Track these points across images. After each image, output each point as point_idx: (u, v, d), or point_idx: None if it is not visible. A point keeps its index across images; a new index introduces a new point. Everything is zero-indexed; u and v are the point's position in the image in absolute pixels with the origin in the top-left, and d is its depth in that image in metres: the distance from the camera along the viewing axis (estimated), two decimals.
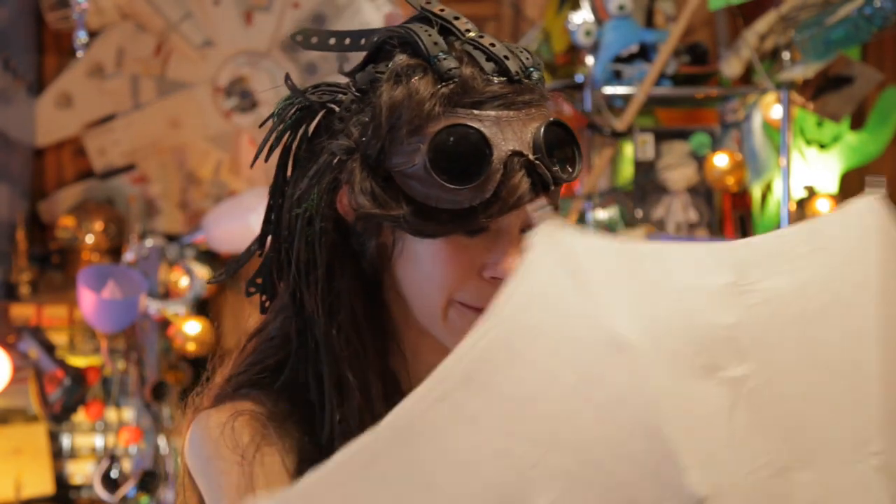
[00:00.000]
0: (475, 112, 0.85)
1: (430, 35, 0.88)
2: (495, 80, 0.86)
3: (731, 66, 3.16)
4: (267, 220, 0.94)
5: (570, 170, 0.87)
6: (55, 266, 3.67)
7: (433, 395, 0.60)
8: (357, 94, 0.89)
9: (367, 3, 3.82)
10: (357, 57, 0.94)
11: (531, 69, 0.89)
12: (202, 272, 3.40)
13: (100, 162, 3.85)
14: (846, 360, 0.63)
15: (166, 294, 3.28)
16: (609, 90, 3.13)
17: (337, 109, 0.90)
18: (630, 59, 3.17)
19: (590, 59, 3.17)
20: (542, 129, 0.85)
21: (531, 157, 0.84)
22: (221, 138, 3.86)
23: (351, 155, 0.88)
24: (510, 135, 0.84)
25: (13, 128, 3.65)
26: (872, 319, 0.64)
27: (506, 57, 0.87)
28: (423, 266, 0.88)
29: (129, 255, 3.24)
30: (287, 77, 0.92)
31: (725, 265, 0.63)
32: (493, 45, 0.88)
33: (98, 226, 3.63)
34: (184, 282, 3.32)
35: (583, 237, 0.61)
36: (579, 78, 3.17)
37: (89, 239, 3.62)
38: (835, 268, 0.65)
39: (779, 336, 0.62)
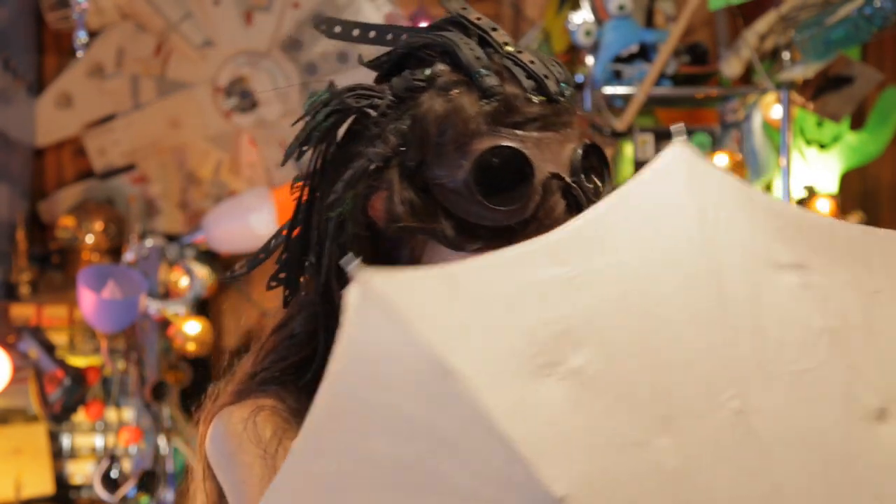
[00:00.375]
0: (517, 132, 0.86)
1: (471, 48, 0.88)
2: (535, 99, 0.87)
3: (731, 66, 3.16)
4: (295, 218, 0.94)
5: (601, 189, 0.88)
6: (55, 266, 3.67)
7: (291, 473, 0.62)
8: (394, 99, 0.89)
9: (367, 2, 3.82)
10: (364, 50, 0.93)
11: (563, 85, 0.89)
12: (202, 272, 3.40)
13: (100, 162, 3.85)
14: (684, 318, 0.62)
15: (166, 294, 3.29)
16: (609, 90, 3.13)
17: (373, 114, 0.89)
18: (630, 59, 3.17)
19: (590, 59, 3.17)
20: (580, 152, 0.87)
21: (568, 179, 0.86)
22: (221, 138, 3.86)
23: (388, 163, 0.87)
24: (549, 156, 0.86)
25: (13, 128, 3.65)
26: (703, 272, 0.63)
27: (545, 76, 0.87)
28: None
29: (129, 255, 3.24)
30: (331, 83, 0.91)
31: (548, 257, 0.62)
32: (532, 62, 0.88)
33: (98, 226, 3.63)
34: (184, 282, 3.32)
35: (396, 276, 0.60)
36: (579, 78, 3.17)
37: (89, 239, 3.62)
38: (653, 230, 0.64)
39: (612, 314, 0.61)
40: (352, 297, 0.59)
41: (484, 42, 0.89)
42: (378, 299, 0.58)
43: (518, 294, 0.60)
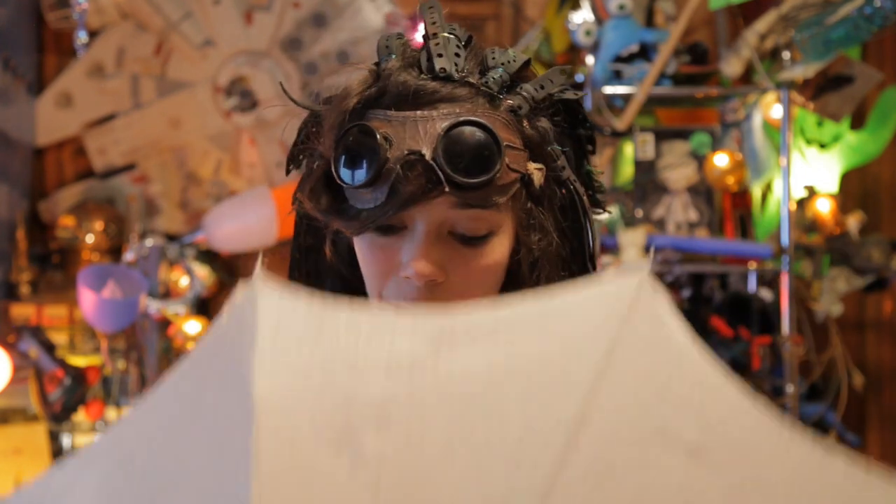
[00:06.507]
0: (388, 112, 0.87)
1: (387, 40, 0.91)
2: (422, 78, 0.87)
3: (731, 66, 3.16)
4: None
5: (483, 172, 0.85)
6: (55, 266, 3.67)
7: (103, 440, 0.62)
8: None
9: (367, 2, 3.82)
10: (365, 51, 0.99)
11: (494, 69, 0.89)
12: (202, 272, 3.40)
13: (100, 162, 3.85)
14: (511, 452, 0.56)
15: (166, 294, 3.28)
16: (609, 90, 3.13)
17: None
18: (630, 58, 3.17)
19: (590, 59, 3.17)
20: (446, 129, 0.85)
21: (428, 156, 0.84)
22: (221, 138, 3.86)
23: (321, 160, 0.92)
24: (417, 133, 0.85)
25: (13, 128, 3.65)
26: (570, 416, 0.56)
27: (440, 55, 0.88)
28: (362, 265, 0.92)
29: (129, 255, 3.24)
30: (284, 88, 0.99)
31: (423, 336, 0.58)
32: (437, 44, 0.89)
33: (98, 225, 3.63)
34: (184, 282, 3.32)
35: (283, 297, 0.58)
36: (579, 78, 3.17)
37: (89, 239, 3.62)
38: (555, 347, 0.58)
39: (438, 412, 0.56)
40: (236, 296, 0.59)
41: (426, 36, 0.90)
42: (248, 309, 0.57)
43: (364, 363, 0.57)
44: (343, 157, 0.87)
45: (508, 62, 0.90)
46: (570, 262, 0.95)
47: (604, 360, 0.58)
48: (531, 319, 0.60)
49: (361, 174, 0.85)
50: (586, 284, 0.61)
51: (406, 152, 0.84)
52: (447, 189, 0.84)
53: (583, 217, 0.94)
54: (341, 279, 0.97)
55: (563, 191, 0.93)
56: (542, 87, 0.91)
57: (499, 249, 0.89)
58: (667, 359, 0.59)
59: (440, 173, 0.84)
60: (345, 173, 0.86)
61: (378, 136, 0.85)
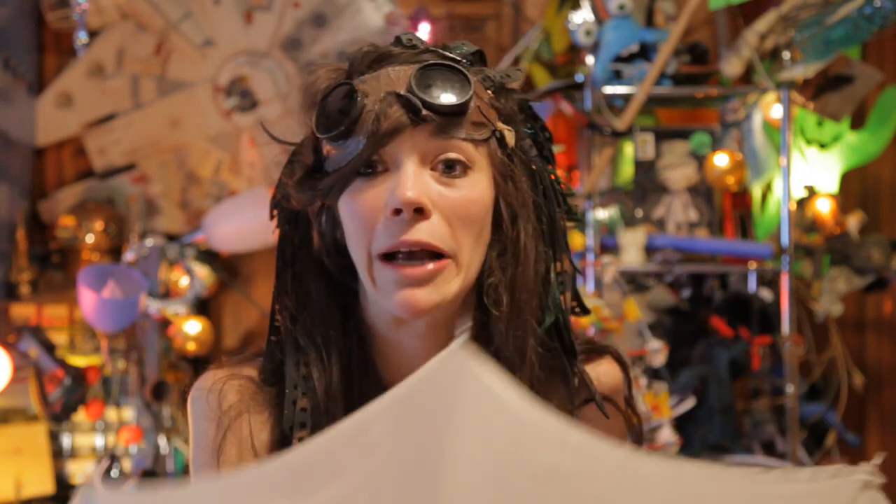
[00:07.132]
0: (362, 76, 0.94)
1: (359, 44, 0.99)
2: (389, 47, 0.96)
3: (731, 66, 3.16)
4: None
5: (458, 96, 0.91)
6: (55, 266, 3.67)
7: None
8: None
9: (367, 2, 3.82)
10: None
11: (456, 48, 0.98)
12: (202, 272, 3.40)
13: (100, 161, 3.85)
14: None
15: (166, 294, 3.28)
16: (609, 90, 3.13)
17: None
18: (630, 58, 3.17)
19: (590, 59, 3.17)
20: (419, 69, 0.92)
21: (403, 91, 0.91)
22: (221, 138, 3.86)
23: (302, 170, 0.97)
24: (390, 80, 0.93)
25: (13, 128, 3.65)
26: None
27: (405, 33, 0.98)
28: (348, 229, 0.95)
29: (129, 255, 3.24)
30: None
31: (281, 485, 0.58)
32: (405, 34, 0.98)
33: (98, 225, 3.63)
34: (184, 281, 3.32)
35: (114, 497, 0.57)
36: (579, 77, 3.17)
37: (89, 238, 3.62)
38: (395, 464, 0.59)
39: None
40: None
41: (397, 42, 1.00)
42: None
43: None
44: (323, 114, 0.92)
45: (465, 45, 0.98)
46: (547, 218, 1.00)
47: (438, 468, 0.58)
48: (359, 448, 0.59)
49: (342, 125, 0.91)
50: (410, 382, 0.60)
51: (382, 95, 0.91)
52: (425, 113, 0.90)
53: (552, 191, 1.00)
54: (325, 279, 1.00)
55: (534, 167, 1.00)
56: (502, 78, 0.98)
57: (479, 186, 0.94)
58: None
59: (417, 101, 0.90)
60: (326, 128, 0.92)
61: (355, 89, 0.92)
